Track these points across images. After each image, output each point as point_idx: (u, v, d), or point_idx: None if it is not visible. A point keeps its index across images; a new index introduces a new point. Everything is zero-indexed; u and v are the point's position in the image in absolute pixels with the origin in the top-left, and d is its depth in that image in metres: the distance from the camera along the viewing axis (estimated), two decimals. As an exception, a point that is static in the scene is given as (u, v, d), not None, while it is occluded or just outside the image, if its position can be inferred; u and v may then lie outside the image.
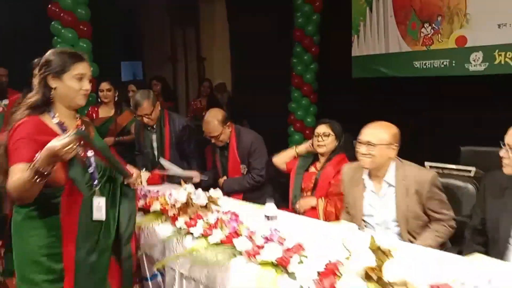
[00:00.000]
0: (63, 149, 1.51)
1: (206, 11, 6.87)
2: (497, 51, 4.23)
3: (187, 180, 2.90)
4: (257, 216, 2.18)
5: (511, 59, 4.15)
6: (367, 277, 1.34)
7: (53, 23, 4.51)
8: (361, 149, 2.20)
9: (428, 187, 2.16)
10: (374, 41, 5.19)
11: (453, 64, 4.55)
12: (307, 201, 2.72)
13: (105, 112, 4.05)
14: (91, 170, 1.78)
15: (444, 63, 4.62)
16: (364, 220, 2.30)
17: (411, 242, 2.14)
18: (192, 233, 2.06)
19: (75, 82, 1.76)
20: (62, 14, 4.48)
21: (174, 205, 2.28)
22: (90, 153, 1.79)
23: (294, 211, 2.73)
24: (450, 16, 4.53)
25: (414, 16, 4.81)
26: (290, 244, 1.69)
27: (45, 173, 1.52)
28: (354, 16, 5.38)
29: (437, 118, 4.63)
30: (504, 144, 1.84)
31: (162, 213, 2.36)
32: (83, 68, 1.78)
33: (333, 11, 5.61)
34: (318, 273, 1.45)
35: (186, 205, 2.24)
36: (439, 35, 4.65)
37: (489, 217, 1.97)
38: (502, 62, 4.21)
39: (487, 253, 1.84)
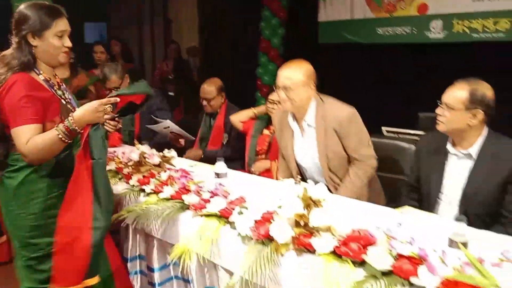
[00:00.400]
0: (101, 108, 1.61)
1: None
2: (455, 19, 4.35)
3: (175, 141, 3.15)
4: (210, 175, 2.27)
5: (468, 28, 4.29)
6: (296, 223, 1.45)
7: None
8: (280, 94, 2.17)
9: (346, 124, 2.16)
10: (340, 7, 5.21)
11: (414, 32, 4.65)
12: (261, 164, 2.82)
13: (60, 73, 3.97)
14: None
15: (406, 31, 4.72)
16: (297, 163, 2.35)
17: (334, 183, 2.23)
18: (144, 190, 2.13)
19: (56, 40, 1.71)
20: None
21: (127, 164, 2.34)
22: (77, 109, 1.73)
23: (250, 172, 2.82)
24: (413, -17, 4.59)
25: (376, -17, 4.85)
26: (233, 197, 1.79)
27: (78, 132, 1.61)
28: (321, -19, 5.37)
29: (399, 85, 4.75)
30: (441, 102, 1.94)
31: (117, 172, 2.41)
32: (64, 25, 1.72)
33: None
34: (255, 221, 1.55)
35: (139, 164, 2.30)
36: (402, 2, 4.71)
37: (422, 174, 2.09)
38: (460, 31, 4.34)
39: (420, 207, 1.99)
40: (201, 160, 3.05)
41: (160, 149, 2.45)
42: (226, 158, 2.41)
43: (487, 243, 1.38)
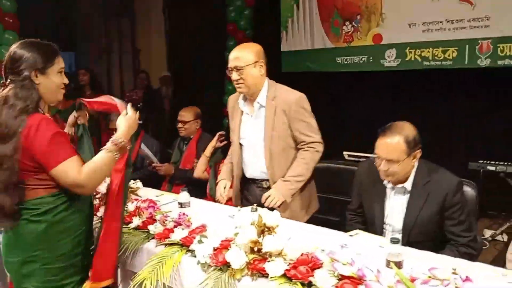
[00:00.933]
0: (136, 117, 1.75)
1: (141, 1, 6.87)
2: (408, 48, 4.67)
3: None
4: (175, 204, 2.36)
5: (420, 56, 4.60)
6: (251, 249, 1.57)
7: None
8: (232, 75, 2.25)
9: (295, 107, 2.24)
10: (301, 37, 5.49)
11: (371, 60, 4.94)
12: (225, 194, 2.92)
13: None
14: None
15: (363, 59, 5.01)
16: (241, 144, 2.43)
17: (272, 165, 2.31)
18: None
19: (59, 77, 1.69)
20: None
21: (95, 196, 2.41)
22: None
23: (214, 200, 2.92)
24: (368, 15, 4.91)
25: (336, 14, 5.15)
26: (195, 226, 1.90)
27: (127, 146, 1.72)
28: (282, 12, 5.64)
29: (357, 110, 5.01)
30: (377, 156, 2.01)
31: None
32: (62, 61, 1.72)
33: (264, 7, 5.85)
34: (214, 248, 1.66)
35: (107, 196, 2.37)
36: (359, 32, 5.02)
37: (364, 203, 2.20)
38: (412, 59, 4.64)
39: (367, 230, 2.11)
40: (171, 177, 3.39)
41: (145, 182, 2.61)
42: (193, 181, 2.48)
43: (420, 261, 1.53)
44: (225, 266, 1.59)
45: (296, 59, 5.56)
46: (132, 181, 2.51)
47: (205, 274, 1.63)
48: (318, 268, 1.46)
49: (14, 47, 1.66)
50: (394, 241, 1.48)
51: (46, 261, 1.64)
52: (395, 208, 2.07)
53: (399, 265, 1.45)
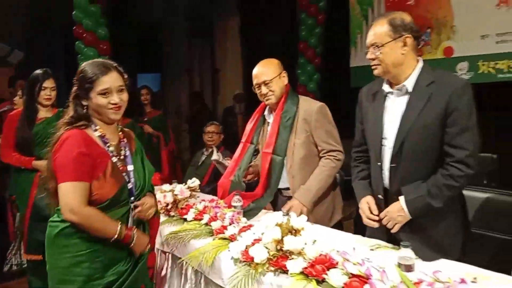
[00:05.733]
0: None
1: (220, 25, 7.38)
2: (481, 61, 4.49)
3: None
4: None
5: (493, 68, 4.41)
6: (276, 248, 1.74)
7: (77, 42, 5.12)
8: (262, 90, 2.45)
9: (316, 115, 2.39)
10: (370, 52, 5.50)
11: (441, 74, 4.81)
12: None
13: None
14: (130, 185, 1.80)
15: (433, 73, 4.89)
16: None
17: (291, 173, 2.43)
18: (185, 219, 2.45)
19: (101, 99, 1.73)
20: (84, 35, 5.08)
21: (166, 208, 2.66)
22: (130, 167, 1.83)
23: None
24: (439, 28, 4.82)
25: (405, 28, 5.10)
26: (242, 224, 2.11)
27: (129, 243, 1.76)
28: (352, 29, 5.73)
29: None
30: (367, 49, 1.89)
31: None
32: (106, 83, 1.72)
33: (333, 25, 5.98)
34: (246, 246, 1.85)
35: (175, 203, 2.65)
36: (429, 46, 4.93)
37: (365, 125, 2.06)
38: (486, 71, 4.46)
39: (368, 171, 2.08)
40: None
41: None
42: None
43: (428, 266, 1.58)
44: (252, 262, 1.77)
45: (365, 74, 5.54)
46: (189, 181, 2.78)
47: (236, 268, 1.82)
48: (333, 267, 1.59)
49: (80, 68, 1.80)
50: (405, 245, 1.54)
51: (49, 266, 1.75)
52: (394, 114, 1.87)
53: (409, 268, 1.51)
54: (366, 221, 1.99)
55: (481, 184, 2.74)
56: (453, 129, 1.74)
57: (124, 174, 1.79)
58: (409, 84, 1.84)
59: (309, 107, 2.44)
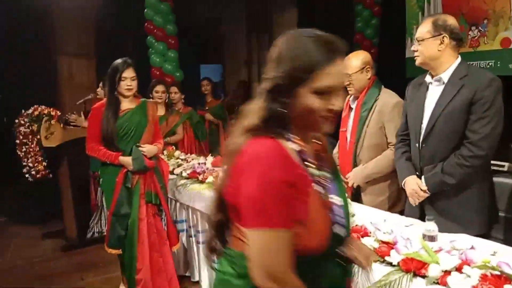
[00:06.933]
0: None
1: (277, 18, 7.66)
2: (539, 51, 4.45)
3: None
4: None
5: (552, 60, 4.35)
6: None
7: (148, 37, 5.64)
8: (346, 80, 2.60)
9: (391, 109, 2.55)
10: (426, 44, 5.55)
11: (498, 65, 4.81)
12: None
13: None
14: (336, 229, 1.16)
15: (490, 64, 4.89)
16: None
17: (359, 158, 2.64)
18: None
19: (317, 100, 1.10)
20: (155, 31, 5.59)
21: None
22: (336, 199, 1.19)
23: None
24: (496, 19, 4.79)
25: (462, 19, 5.11)
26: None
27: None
28: (408, 20, 5.79)
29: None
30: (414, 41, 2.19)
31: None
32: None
33: (390, 16, 6.07)
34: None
35: None
36: (485, 37, 4.92)
37: (409, 109, 2.32)
38: (545, 62, 4.41)
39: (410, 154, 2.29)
40: None
41: None
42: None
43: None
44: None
45: (420, 65, 5.63)
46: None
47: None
48: (367, 236, 1.87)
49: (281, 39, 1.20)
50: (429, 219, 1.79)
51: None
52: (431, 101, 2.15)
53: (432, 239, 1.76)
54: (414, 195, 2.22)
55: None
56: (473, 116, 2.02)
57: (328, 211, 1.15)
58: (446, 76, 2.12)
59: (387, 100, 2.60)
